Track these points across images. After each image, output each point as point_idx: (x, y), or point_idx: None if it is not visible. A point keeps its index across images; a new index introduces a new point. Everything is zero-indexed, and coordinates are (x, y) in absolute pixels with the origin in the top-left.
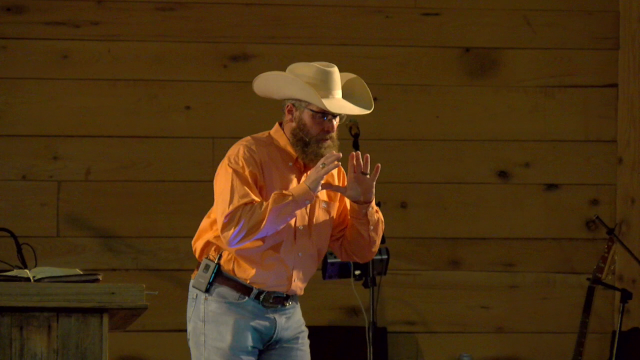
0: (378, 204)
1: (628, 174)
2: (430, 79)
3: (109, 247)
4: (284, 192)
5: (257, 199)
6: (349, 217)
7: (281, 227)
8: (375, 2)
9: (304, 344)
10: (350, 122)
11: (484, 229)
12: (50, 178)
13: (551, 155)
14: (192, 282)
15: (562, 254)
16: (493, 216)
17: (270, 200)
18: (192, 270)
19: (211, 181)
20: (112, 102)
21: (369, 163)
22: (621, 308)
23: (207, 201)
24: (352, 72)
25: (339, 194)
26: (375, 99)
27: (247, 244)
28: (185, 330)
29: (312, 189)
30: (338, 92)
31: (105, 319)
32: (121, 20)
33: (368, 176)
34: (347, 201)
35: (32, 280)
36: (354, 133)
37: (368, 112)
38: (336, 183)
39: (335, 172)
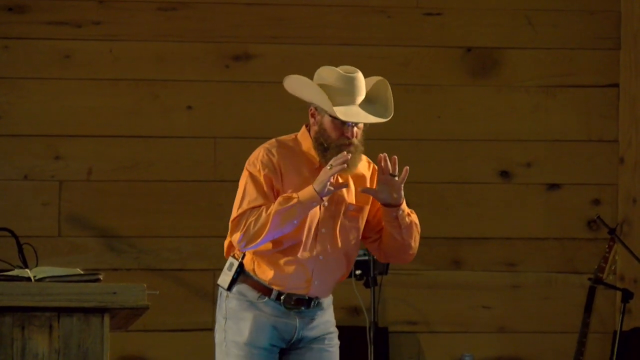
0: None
1: (629, 173)
2: (432, 79)
3: (111, 246)
4: (291, 194)
5: (267, 202)
6: (382, 220)
7: (288, 229)
8: (377, 2)
9: (332, 345)
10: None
11: (485, 228)
12: (52, 178)
13: (553, 155)
14: (218, 280)
15: (564, 254)
16: (495, 216)
17: (275, 203)
18: (195, 270)
19: (213, 181)
20: (113, 102)
21: (397, 165)
22: (622, 308)
23: (209, 201)
24: None
25: (370, 196)
26: None
27: (260, 246)
28: (186, 331)
29: (319, 191)
30: (359, 99)
31: (107, 318)
32: (123, 20)
33: (396, 178)
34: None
35: (33, 280)
36: None
37: (384, 120)
38: (367, 184)
39: (368, 174)
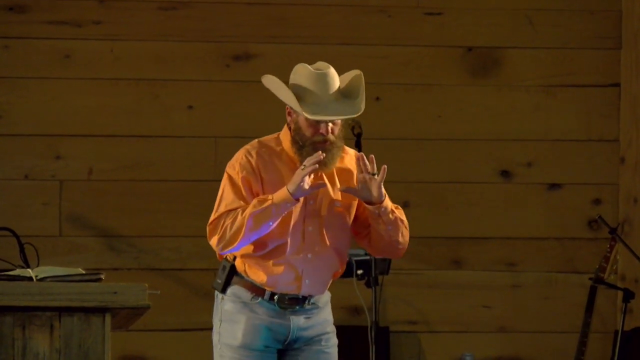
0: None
1: (630, 173)
2: (432, 79)
3: (111, 246)
4: (266, 196)
5: (245, 205)
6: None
7: (264, 231)
8: (377, 2)
9: (329, 346)
10: (353, 122)
11: (486, 228)
12: (53, 177)
13: (553, 154)
14: (213, 283)
15: (565, 254)
16: (495, 216)
17: (250, 205)
18: (195, 270)
19: (213, 180)
20: (114, 102)
21: (375, 163)
22: (623, 308)
23: (210, 200)
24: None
25: None
26: (377, 98)
27: (240, 249)
28: (186, 330)
29: (292, 192)
30: (330, 95)
31: (108, 318)
32: (123, 20)
33: (376, 177)
34: None
35: (34, 279)
36: (356, 133)
37: (352, 116)
38: (354, 179)
39: (355, 168)
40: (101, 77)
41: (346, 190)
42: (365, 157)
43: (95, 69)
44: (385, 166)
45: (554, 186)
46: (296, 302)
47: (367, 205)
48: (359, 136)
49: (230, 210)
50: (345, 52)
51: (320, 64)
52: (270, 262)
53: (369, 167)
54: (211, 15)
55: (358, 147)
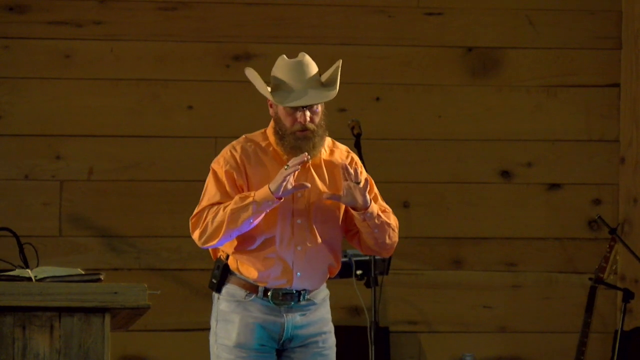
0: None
1: (630, 173)
2: (432, 79)
3: (112, 246)
4: (248, 193)
5: (228, 199)
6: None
7: (245, 228)
8: (377, 2)
9: (326, 347)
10: (352, 122)
11: (486, 228)
12: (53, 178)
13: (553, 155)
14: (208, 283)
15: (565, 254)
16: (495, 216)
17: (232, 202)
18: (195, 270)
19: None
20: (114, 102)
21: (358, 174)
22: (623, 308)
23: None
24: (354, 72)
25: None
26: (377, 98)
27: (224, 244)
28: (187, 330)
29: (274, 191)
30: (304, 83)
31: (108, 318)
32: (124, 20)
33: (361, 185)
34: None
35: (34, 280)
36: (356, 133)
37: (322, 100)
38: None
39: (346, 163)
40: (101, 77)
41: (331, 198)
42: (348, 167)
43: (96, 69)
44: (368, 177)
45: (554, 186)
46: (290, 298)
47: (352, 211)
48: (358, 136)
49: (212, 204)
50: (345, 52)
51: (299, 54)
52: (262, 256)
53: (352, 175)
54: (211, 15)
55: (358, 147)
